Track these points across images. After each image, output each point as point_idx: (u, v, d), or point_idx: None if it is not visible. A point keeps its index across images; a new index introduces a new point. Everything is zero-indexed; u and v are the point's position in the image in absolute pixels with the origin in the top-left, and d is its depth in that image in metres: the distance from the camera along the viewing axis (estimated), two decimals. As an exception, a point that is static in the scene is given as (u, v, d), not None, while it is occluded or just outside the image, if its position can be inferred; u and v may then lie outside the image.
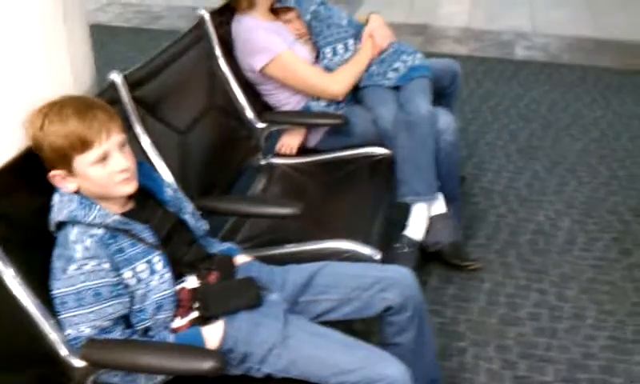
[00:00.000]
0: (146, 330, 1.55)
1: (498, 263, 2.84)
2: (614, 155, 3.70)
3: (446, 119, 2.62)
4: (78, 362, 1.49)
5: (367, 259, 2.07)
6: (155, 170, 1.95)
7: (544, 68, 4.82)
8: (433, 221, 2.64)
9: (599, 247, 2.96)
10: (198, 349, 1.53)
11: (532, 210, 3.20)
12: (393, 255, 2.52)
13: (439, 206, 2.65)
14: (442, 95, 2.90)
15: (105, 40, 5.10)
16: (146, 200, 1.67)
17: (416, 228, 2.60)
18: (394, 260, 2.00)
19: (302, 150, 2.74)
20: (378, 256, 2.09)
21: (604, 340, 2.45)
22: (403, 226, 2.63)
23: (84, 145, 1.49)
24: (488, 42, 5.29)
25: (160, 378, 1.56)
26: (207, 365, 1.43)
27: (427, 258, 2.70)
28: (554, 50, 5.14)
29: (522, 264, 2.84)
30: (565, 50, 5.15)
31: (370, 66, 2.73)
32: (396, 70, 2.73)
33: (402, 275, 1.83)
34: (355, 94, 2.75)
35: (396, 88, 2.71)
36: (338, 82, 2.64)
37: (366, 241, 2.13)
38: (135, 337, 1.54)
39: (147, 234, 1.57)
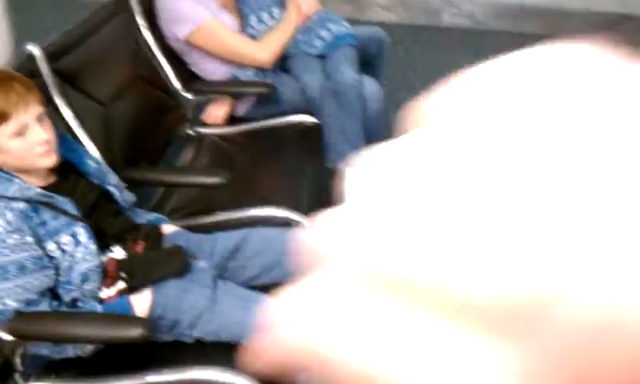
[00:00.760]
0: (74, 302, 1.56)
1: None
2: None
3: (371, 87, 2.67)
4: (6, 336, 1.48)
5: (297, 225, 2.11)
6: (78, 142, 1.93)
7: (471, 34, 4.91)
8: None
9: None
10: (125, 317, 1.55)
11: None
12: None
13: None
14: (368, 63, 2.93)
15: (28, 11, 4.95)
16: (68, 172, 1.67)
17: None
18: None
19: (231, 120, 2.74)
20: (307, 222, 2.14)
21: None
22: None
23: (1, 117, 1.49)
24: (416, 10, 5.34)
25: (90, 347, 1.57)
26: (135, 332, 1.45)
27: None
28: (480, 17, 5.24)
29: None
30: (491, 17, 5.26)
31: (295, 33, 2.75)
32: (322, 38, 2.75)
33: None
34: (282, 62, 2.76)
35: (322, 56, 2.73)
36: (265, 50, 2.65)
37: (296, 207, 2.16)
38: (63, 308, 1.55)
39: (70, 207, 1.57)
